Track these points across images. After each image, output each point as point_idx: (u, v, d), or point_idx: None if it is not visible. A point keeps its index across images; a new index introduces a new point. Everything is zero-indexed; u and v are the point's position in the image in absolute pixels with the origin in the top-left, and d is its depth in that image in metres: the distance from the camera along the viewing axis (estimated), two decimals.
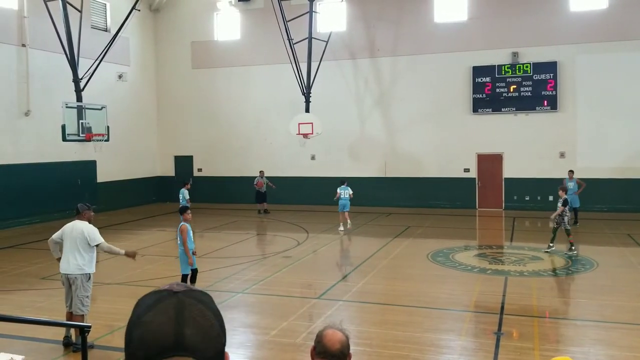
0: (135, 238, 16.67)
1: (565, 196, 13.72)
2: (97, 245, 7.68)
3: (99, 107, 18.55)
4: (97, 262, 7.99)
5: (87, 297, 7.64)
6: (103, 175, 22.59)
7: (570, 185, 17.55)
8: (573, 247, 13.48)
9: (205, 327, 1.08)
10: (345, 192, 17.52)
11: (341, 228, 17.38)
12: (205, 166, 25.69)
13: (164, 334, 1.05)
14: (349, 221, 17.39)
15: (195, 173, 25.93)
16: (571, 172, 17.87)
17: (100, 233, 7.87)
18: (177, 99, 25.88)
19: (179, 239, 9.51)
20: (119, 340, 7.94)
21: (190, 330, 1.05)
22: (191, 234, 9.54)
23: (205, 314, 1.09)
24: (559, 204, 13.61)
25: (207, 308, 1.11)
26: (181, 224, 9.51)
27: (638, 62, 19.81)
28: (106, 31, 22.59)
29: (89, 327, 5.77)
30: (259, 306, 9.78)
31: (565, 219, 13.52)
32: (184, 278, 9.47)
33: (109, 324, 8.63)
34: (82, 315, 7.56)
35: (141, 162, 25.09)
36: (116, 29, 19.80)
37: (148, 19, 25.51)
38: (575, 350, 7.33)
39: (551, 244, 13.61)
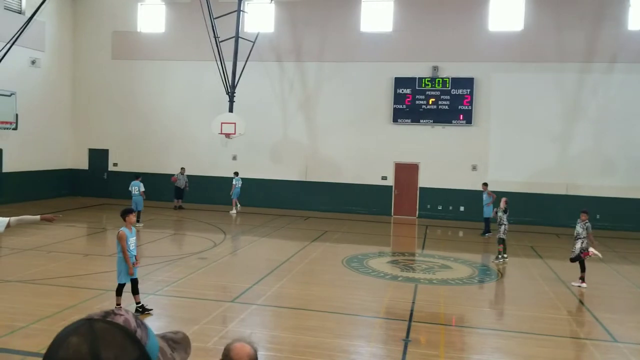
0: (42, 233, 15.82)
1: (506, 206, 14.40)
2: (7, 226, 7.13)
3: (8, 94, 17.52)
4: None
5: None
6: (10, 165, 21.27)
7: (484, 197, 18.45)
8: (501, 256, 14.20)
9: (122, 352, 1.06)
10: (239, 183, 21.61)
11: (233, 211, 21.07)
12: (122, 161, 24.79)
13: (82, 359, 1.02)
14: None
15: (110, 167, 24.98)
16: (485, 184, 18.77)
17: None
18: (95, 90, 24.82)
19: (117, 245, 8.92)
20: (18, 341, 7.53)
21: (107, 354, 1.04)
22: (134, 239, 8.95)
23: (119, 338, 1.08)
24: (500, 213, 14.26)
25: (124, 333, 1.09)
26: (120, 229, 8.93)
27: (547, 82, 21.15)
28: (20, 13, 21.31)
29: None
30: (171, 309, 9.58)
31: (502, 228, 14.17)
32: (120, 288, 8.92)
33: (7, 324, 8.16)
34: None
35: (53, 153, 23.82)
36: (32, 12, 18.75)
37: (66, 4, 24.31)
38: (477, 358, 7.72)
39: (505, 255, 14.23)
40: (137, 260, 9.11)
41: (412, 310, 9.69)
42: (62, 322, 8.32)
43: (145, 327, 1.16)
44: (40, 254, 12.98)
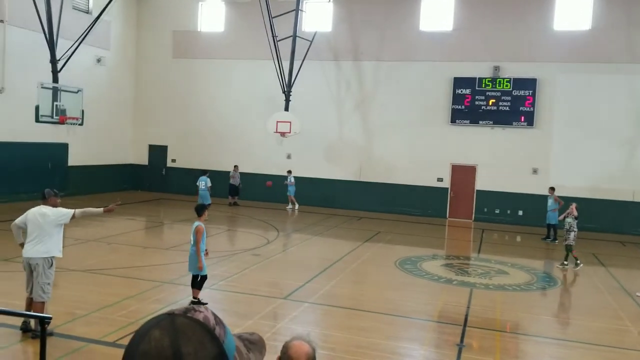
0: (103, 225, 16.40)
1: (577, 213, 13.94)
2: (73, 217, 7.50)
3: (75, 90, 18.22)
4: (62, 247, 7.81)
5: (49, 284, 7.48)
6: (74, 159, 22.19)
7: (549, 202, 17.82)
8: (578, 262, 13.72)
9: (201, 348, 1.08)
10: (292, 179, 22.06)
11: (290, 206, 21.74)
12: (179, 157, 25.42)
13: (163, 352, 1.05)
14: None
15: (169, 163, 25.66)
16: (552, 189, 18.11)
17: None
18: (155, 88, 25.55)
19: (192, 238, 9.04)
20: (80, 329, 7.80)
21: (187, 349, 1.06)
22: (205, 236, 9.13)
23: (199, 334, 1.10)
24: (573, 220, 13.82)
25: (204, 329, 1.12)
26: (197, 223, 9.03)
27: (616, 85, 20.23)
28: (88, 13, 22.18)
29: (50, 318, 5.64)
30: (225, 303, 9.71)
31: (571, 235, 13.71)
32: (195, 278, 9.10)
33: (70, 311, 8.47)
34: (43, 303, 7.40)
35: (114, 148, 24.70)
36: (98, 12, 19.47)
37: (131, 4, 25.13)
38: None
39: (566, 262, 13.79)
40: (207, 253, 9.33)
41: (467, 315, 9.45)
42: (121, 312, 8.58)
43: (223, 326, 1.17)
44: (101, 245, 13.45)
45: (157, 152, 25.75)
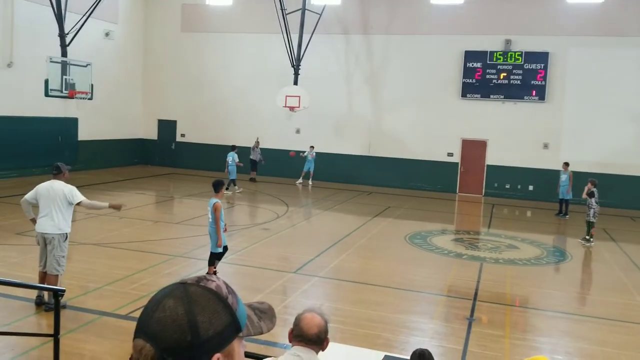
0: (115, 199, 16.43)
1: (590, 189, 13.78)
2: (78, 204, 7.57)
3: (84, 64, 18.17)
4: (73, 221, 7.88)
5: (64, 257, 7.56)
6: (84, 133, 22.24)
7: (563, 177, 17.69)
8: (590, 238, 13.67)
9: (215, 317, 1.11)
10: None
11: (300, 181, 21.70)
12: (189, 132, 25.43)
13: (178, 320, 1.08)
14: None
15: (178, 138, 25.68)
16: (566, 164, 17.94)
17: (80, 191, 7.74)
18: (164, 62, 25.43)
19: (210, 215, 8.86)
20: (92, 301, 7.90)
21: (202, 317, 1.09)
22: (223, 211, 8.99)
23: (213, 303, 1.13)
24: (590, 197, 13.71)
25: (217, 298, 1.14)
26: (215, 200, 8.86)
27: (629, 59, 19.90)
28: None
29: (64, 290, 5.70)
30: (236, 277, 9.77)
31: (591, 211, 13.62)
32: (213, 256, 9.02)
33: (82, 284, 8.57)
34: (57, 276, 7.48)
35: (124, 123, 24.72)
36: None
37: None
38: (544, 341, 7.47)
39: (587, 237, 13.73)
40: (225, 229, 9.24)
41: (477, 290, 9.47)
42: (133, 285, 8.67)
43: (235, 295, 1.19)
44: (113, 219, 13.54)
45: (167, 127, 25.76)
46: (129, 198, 16.95)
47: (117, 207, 8.07)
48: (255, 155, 22.12)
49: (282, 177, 22.88)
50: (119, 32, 23.82)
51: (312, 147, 21.93)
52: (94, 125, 22.53)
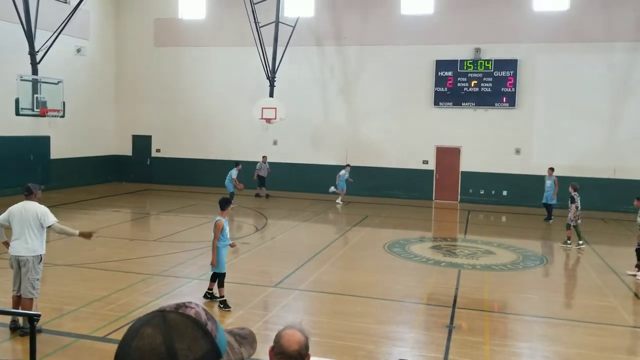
0: (89, 218, 16.28)
1: (572, 193, 13.98)
2: (49, 227, 7.46)
3: (55, 82, 17.95)
4: (47, 242, 7.76)
5: (38, 279, 7.43)
6: (57, 151, 21.90)
7: (548, 183, 17.91)
8: (569, 242, 13.91)
9: (194, 344, 1.10)
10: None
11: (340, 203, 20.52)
12: (164, 147, 25.23)
13: (157, 349, 1.06)
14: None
15: (153, 154, 25.47)
16: (551, 169, 18.15)
17: (52, 212, 7.64)
18: (137, 77, 25.24)
19: (213, 233, 8.75)
20: (69, 324, 7.77)
21: (181, 345, 1.08)
22: (227, 231, 8.80)
23: (192, 330, 1.11)
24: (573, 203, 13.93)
25: (196, 325, 1.13)
26: (217, 218, 8.70)
27: (595, 63, 20.40)
28: (66, 3, 21.75)
29: (39, 315, 5.61)
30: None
31: (570, 214, 13.86)
32: (220, 276, 8.71)
33: (58, 307, 8.43)
34: (32, 299, 7.35)
35: (97, 139, 24.40)
36: (76, 2, 19.12)
37: None
38: (523, 346, 7.58)
39: (580, 241, 13.87)
40: (233, 245, 9.16)
41: (455, 297, 9.57)
42: (110, 306, 8.56)
43: (214, 321, 1.19)
44: (86, 239, 13.32)
45: (141, 142, 25.52)
46: (103, 216, 16.73)
47: (87, 236, 7.84)
48: (263, 172, 21.72)
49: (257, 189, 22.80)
50: (91, 48, 23.59)
51: (348, 165, 21.27)
52: (67, 143, 22.20)
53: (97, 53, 24.09)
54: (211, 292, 8.95)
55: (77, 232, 7.77)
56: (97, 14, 23.86)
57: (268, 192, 21.69)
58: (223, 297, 8.71)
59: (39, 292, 7.48)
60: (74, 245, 12.78)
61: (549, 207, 17.95)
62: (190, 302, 1.19)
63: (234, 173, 18.80)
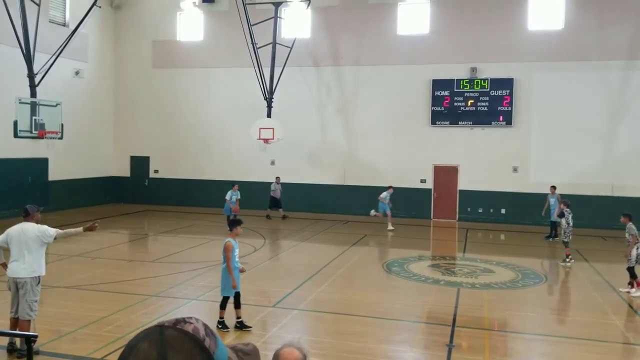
0: (86, 240, 16.21)
1: (563, 209, 14.21)
2: (55, 239, 7.47)
3: (54, 104, 18.05)
4: (46, 263, 7.74)
5: (36, 301, 7.40)
6: (55, 173, 21.92)
7: (552, 201, 17.94)
8: (567, 259, 14.01)
9: (189, 357, 1.10)
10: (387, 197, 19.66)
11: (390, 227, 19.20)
12: (162, 168, 25.27)
13: None
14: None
15: (152, 174, 25.49)
16: (553, 187, 18.23)
17: None
18: (136, 99, 25.39)
19: (222, 256, 8.55)
20: (66, 346, 7.72)
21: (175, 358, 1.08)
22: (237, 252, 8.57)
23: (188, 346, 1.12)
24: (564, 219, 14.09)
25: (193, 341, 1.13)
26: (227, 240, 8.53)
27: (590, 82, 20.58)
28: (65, 26, 21.97)
29: (36, 336, 5.57)
30: (213, 314, 9.64)
31: (562, 230, 13.99)
32: (225, 301, 8.56)
33: (55, 328, 8.37)
34: (29, 321, 7.31)
35: (96, 161, 24.44)
36: (75, 25, 19.33)
37: (109, 16, 24.97)
38: None
39: (566, 258, 14.04)
40: (242, 270, 8.83)
41: (455, 315, 9.53)
42: (108, 327, 8.51)
43: (214, 337, 1.19)
44: (85, 260, 13.31)
45: (139, 163, 25.56)
46: (102, 238, 16.69)
47: (91, 229, 7.85)
48: (275, 193, 21.52)
49: (258, 209, 22.77)
50: (89, 70, 23.77)
51: (391, 187, 20.42)
52: (65, 164, 22.24)
53: (95, 75, 24.26)
54: (240, 319, 8.59)
55: (80, 229, 7.79)
56: (95, 37, 24.08)
57: (285, 213, 21.39)
58: (222, 319, 8.58)
59: (36, 314, 7.44)
60: (72, 266, 12.75)
61: (554, 225, 17.93)
62: (190, 318, 1.19)
63: (228, 194, 18.89)
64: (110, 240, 16.43)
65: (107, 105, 25.28)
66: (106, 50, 25.04)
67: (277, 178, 21.83)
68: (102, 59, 24.78)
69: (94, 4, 18.87)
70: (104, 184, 25.07)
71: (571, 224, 14.09)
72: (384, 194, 19.61)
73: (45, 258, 7.68)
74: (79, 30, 19.09)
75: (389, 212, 19.45)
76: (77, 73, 22.83)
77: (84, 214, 21.42)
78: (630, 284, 11.17)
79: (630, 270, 11.12)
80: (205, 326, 1.19)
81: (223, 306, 8.62)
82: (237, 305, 8.58)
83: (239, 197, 18.93)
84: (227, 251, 8.40)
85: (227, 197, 18.78)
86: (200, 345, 1.14)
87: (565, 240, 14.06)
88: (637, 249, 11.07)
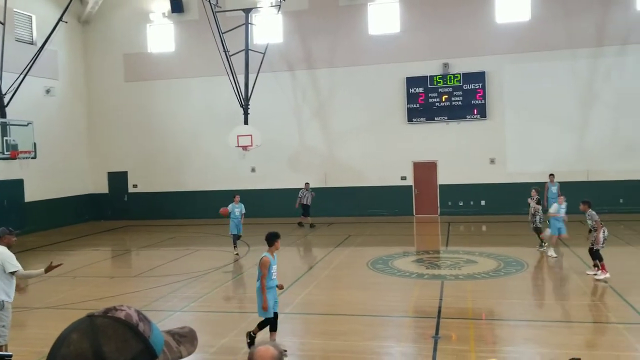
0: (67, 259, 15.98)
1: (538, 196, 14.41)
2: (13, 273, 7.25)
3: (25, 123, 17.79)
4: (26, 285, 7.60)
5: (4, 326, 7.20)
6: (32, 194, 21.57)
7: (554, 189, 18.06)
8: (544, 244, 14.20)
9: (124, 346, 1.08)
10: None
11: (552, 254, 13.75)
12: (141, 182, 25.03)
13: (83, 354, 1.05)
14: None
15: (131, 189, 25.22)
16: (552, 175, 18.37)
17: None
18: (110, 113, 25.13)
19: (258, 272, 7.79)
20: None
21: (109, 347, 1.06)
22: (275, 267, 7.80)
23: (121, 332, 1.10)
24: (534, 204, 14.29)
25: (126, 327, 1.11)
26: (264, 255, 7.77)
27: (560, 70, 20.90)
28: (32, 44, 21.69)
29: (10, 355, 5.48)
30: (198, 324, 9.57)
31: (537, 217, 14.18)
32: (264, 323, 7.69)
33: (38, 350, 8.22)
34: (1, 346, 7.16)
35: (72, 179, 24.08)
36: (42, 42, 19.09)
37: (77, 31, 24.71)
38: (509, 350, 7.60)
39: (543, 243, 14.24)
40: (280, 286, 8.05)
41: (440, 307, 9.58)
42: None
43: (148, 321, 1.17)
44: (66, 280, 13.11)
45: (117, 179, 25.29)
46: (82, 256, 16.48)
47: (52, 268, 7.52)
48: (306, 200, 20.75)
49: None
50: (60, 87, 23.46)
51: (306, 183, 20.66)
52: (41, 184, 21.90)
53: (67, 92, 23.97)
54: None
55: (42, 270, 7.55)
56: (64, 53, 23.80)
57: (312, 220, 20.49)
58: (254, 335, 7.75)
59: (5, 339, 7.21)
60: (53, 286, 12.55)
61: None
62: (121, 305, 1.17)
63: (234, 208, 15.93)
64: (90, 258, 16.22)
65: (81, 121, 24.99)
66: (76, 66, 24.76)
67: (307, 184, 21.03)
68: (73, 75, 24.50)
69: (59, 19, 18.65)
70: (82, 201, 24.72)
71: (540, 210, 14.34)
72: (554, 206, 14.04)
73: (25, 280, 7.54)
74: (46, 47, 18.86)
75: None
76: (48, 91, 22.52)
77: (62, 234, 21.13)
78: (596, 266, 11.34)
79: (597, 253, 11.28)
80: (139, 312, 1.17)
81: (261, 326, 7.82)
82: (273, 327, 7.75)
83: (243, 210, 16.00)
84: (263, 268, 7.59)
85: (229, 209, 15.88)
86: (134, 330, 1.12)
87: (539, 226, 14.28)
88: (604, 232, 11.29)
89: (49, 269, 7.54)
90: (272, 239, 7.88)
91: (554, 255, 13.51)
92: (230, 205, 15.79)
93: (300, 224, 20.68)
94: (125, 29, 24.77)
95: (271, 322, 7.75)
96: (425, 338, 8.10)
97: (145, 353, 1.11)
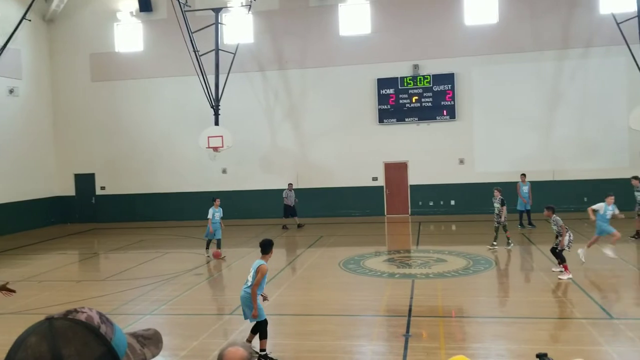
0: (33, 263, 15.65)
1: (501, 196, 14.63)
2: None
3: None
4: None
5: None
6: None
7: (525, 189, 18.34)
8: (510, 241, 14.60)
9: (84, 349, 1.05)
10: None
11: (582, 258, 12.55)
12: (109, 184, 24.60)
13: (42, 357, 1.02)
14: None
15: (98, 192, 24.78)
16: (523, 175, 18.65)
17: None
18: (76, 114, 24.64)
19: (251, 277, 7.52)
20: None
21: (68, 350, 1.03)
22: (265, 278, 7.67)
23: (81, 335, 1.07)
24: (498, 205, 14.53)
25: (87, 329, 1.08)
26: (262, 262, 7.57)
27: (526, 72, 21.32)
28: None
29: None
30: (169, 327, 9.47)
31: (502, 217, 14.44)
32: (261, 324, 7.51)
33: (1, 357, 8.02)
34: None
35: (37, 181, 23.52)
36: (4, 40, 18.63)
37: (42, 30, 24.18)
38: (478, 347, 7.71)
39: (494, 242, 14.61)
40: (265, 298, 7.83)
41: (410, 306, 9.67)
42: None
43: (110, 324, 1.14)
44: (31, 284, 12.81)
45: (84, 181, 24.81)
46: (48, 260, 16.13)
47: (5, 289, 7.37)
48: (289, 201, 20.55)
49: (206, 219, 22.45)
50: (24, 87, 22.92)
51: (289, 184, 20.54)
52: (5, 187, 21.34)
53: (31, 92, 23.42)
54: (264, 352, 7.42)
55: None
56: (28, 52, 23.25)
57: (300, 221, 20.32)
58: (264, 350, 7.44)
59: None
60: (18, 292, 12.20)
61: (527, 213, 18.32)
62: (82, 307, 1.14)
63: (211, 212, 15.22)
64: (57, 262, 15.88)
65: (46, 122, 24.44)
66: (41, 65, 24.21)
67: (290, 185, 20.87)
68: (38, 75, 23.95)
69: (23, 17, 18.22)
70: (49, 204, 24.19)
71: (504, 209, 14.59)
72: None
73: None
74: (8, 46, 18.42)
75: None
76: (11, 91, 21.98)
77: (28, 237, 20.65)
78: (561, 264, 11.60)
79: (560, 254, 11.52)
80: (101, 314, 1.14)
81: (263, 334, 7.50)
82: (254, 330, 7.67)
83: (221, 214, 15.40)
84: (260, 274, 7.44)
85: (209, 215, 15.12)
86: (95, 332, 1.09)
87: (504, 223, 14.56)
88: (569, 236, 11.57)
89: (2, 287, 7.33)
90: (268, 247, 7.71)
91: (583, 260, 12.20)
92: (210, 210, 15.25)
93: (284, 227, 20.44)
94: (91, 28, 24.33)
95: (255, 326, 7.66)
96: (397, 336, 8.17)
97: (107, 356, 1.09)
